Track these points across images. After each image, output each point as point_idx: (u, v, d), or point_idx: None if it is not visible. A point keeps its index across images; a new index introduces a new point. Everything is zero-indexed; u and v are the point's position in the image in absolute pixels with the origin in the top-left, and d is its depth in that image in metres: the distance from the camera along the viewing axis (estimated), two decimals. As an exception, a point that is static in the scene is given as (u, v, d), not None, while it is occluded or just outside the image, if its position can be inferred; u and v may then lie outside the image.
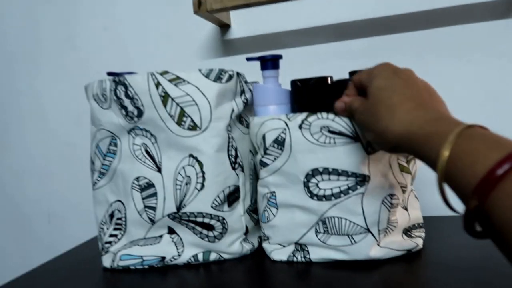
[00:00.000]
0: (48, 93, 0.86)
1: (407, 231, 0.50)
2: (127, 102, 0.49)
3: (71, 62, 0.85)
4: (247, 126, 0.55)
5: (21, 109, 0.88)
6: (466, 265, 0.44)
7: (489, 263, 0.44)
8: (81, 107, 0.84)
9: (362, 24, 0.70)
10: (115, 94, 0.50)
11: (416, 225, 0.51)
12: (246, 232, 0.52)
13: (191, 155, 0.49)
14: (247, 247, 0.52)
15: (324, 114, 0.45)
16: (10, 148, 0.90)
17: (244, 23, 0.72)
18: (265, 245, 0.52)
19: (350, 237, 0.45)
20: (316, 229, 0.47)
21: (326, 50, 0.72)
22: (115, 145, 0.52)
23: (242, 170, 0.52)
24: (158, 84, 0.48)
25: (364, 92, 0.40)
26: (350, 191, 0.45)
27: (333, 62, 0.71)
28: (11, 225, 0.91)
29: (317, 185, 0.46)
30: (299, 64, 0.71)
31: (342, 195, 0.45)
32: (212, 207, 0.49)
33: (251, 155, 0.55)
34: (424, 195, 0.60)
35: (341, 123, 0.45)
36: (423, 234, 0.51)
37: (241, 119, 0.55)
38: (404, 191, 0.48)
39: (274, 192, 0.50)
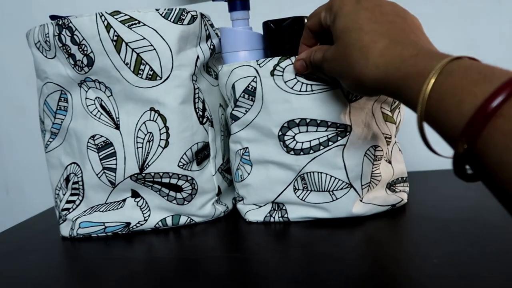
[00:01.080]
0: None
1: (391, 186, 0.46)
2: (74, 49, 0.43)
3: (12, 9, 0.75)
4: (216, 78, 0.49)
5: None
6: (452, 217, 0.41)
7: (476, 214, 0.41)
8: (30, 63, 0.76)
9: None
10: (60, 40, 0.43)
11: (400, 179, 0.48)
12: (219, 193, 0.48)
13: (152, 109, 0.43)
14: (220, 209, 0.48)
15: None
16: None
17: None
18: (239, 206, 0.48)
19: (331, 193, 0.42)
20: (294, 186, 0.43)
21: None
22: (66, 100, 0.46)
23: (212, 125, 0.46)
24: (108, 27, 0.41)
25: (325, 37, 0.36)
26: (330, 143, 0.41)
27: (308, 5, 0.65)
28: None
29: (293, 138, 0.42)
30: (270, 6, 0.65)
31: (321, 147, 0.41)
32: (179, 166, 0.44)
33: (221, 109, 0.50)
34: (407, 149, 0.56)
35: (319, 68, 0.40)
36: (407, 189, 0.48)
37: (209, 69, 0.49)
38: (388, 143, 0.44)
39: (247, 148, 0.45)
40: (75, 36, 0.42)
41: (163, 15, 0.42)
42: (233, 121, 0.45)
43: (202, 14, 0.45)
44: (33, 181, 0.81)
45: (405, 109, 0.47)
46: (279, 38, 0.44)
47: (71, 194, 0.47)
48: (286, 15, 0.44)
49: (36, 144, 0.79)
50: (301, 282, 0.32)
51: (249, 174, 0.45)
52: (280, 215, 0.45)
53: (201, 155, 0.46)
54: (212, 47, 0.47)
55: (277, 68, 0.41)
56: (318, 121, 0.41)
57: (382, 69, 0.28)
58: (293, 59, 0.40)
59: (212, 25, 0.47)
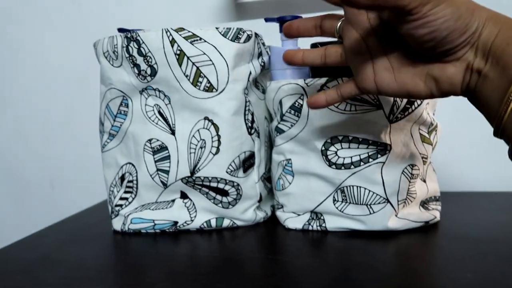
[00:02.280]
0: (51, 52, 0.83)
1: (424, 204, 0.49)
2: (139, 60, 0.47)
3: (75, 19, 0.81)
4: (263, 92, 0.53)
5: (23, 67, 0.85)
6: (485, 238, 0.43)
7: (507, 234, 0.43)
8: (85, 67, 0.82)
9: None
10: (127, 51, 0.47)
11: (433, 197, 0.50)
12: (260, 199, 0.51)
13: (206, 118, 0.47)
14: (260, 215, 0.51)
15: (346, 80, 0.43)
16: (10, 109, 0.87)
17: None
18: (279, 213, 0.51)
19: (368, 206, 0.44)
20: (334, 197, 0.46)
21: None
22: (126, 105, 0.50)
23: (258, 136, 0.50)
24: (173, 42, 0.45)
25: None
26: (370, 160, 0.44)
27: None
28: (11, 191, 0.90)
29: (336, 153, 0.45)
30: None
31: (362, 163, 0.44)
32: (227, 172, 0.48)
33: (266, 122, 0.53)
34: (439, 170, 0.59)
35: (365, 89, 0.43)
36: (439, 207, 0.50)
37: (257, 84, 0.52)
38: (424, 162, 0.47)
39: (290, 159, 0.48)
40: (141, 48, 0.47)
41: (222, 33, 0.46)
42: (278, 134, 0.49)
43: (256, 34, 0.49)
44: (76, 178, 0.86)
45: (441, 132, 0.50)
46: (327, 59, 0.47)
47: (125, 192, 0.52)
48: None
49: (82, 144, 0.84)
50: (337, 286, 0.34)
51: (290, 183, 0.49)
52: (318, 224, 0.48)
53: (247, 163, 0.49)
54: (262, 63, 0.50)
55: (325, 87, 0.44)
56: (360, 139, 0.44)
57: None
58: (339, 80, 0.43)
59: (263, 44, 0.51)
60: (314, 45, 0.48)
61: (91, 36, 0.81)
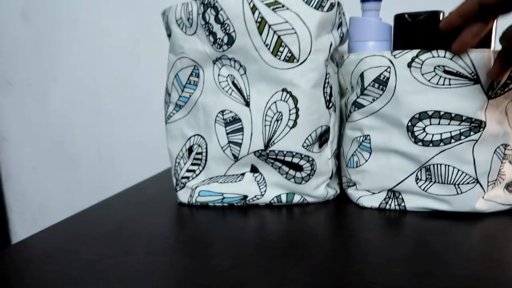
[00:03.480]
0: (103, 25, 0.82)
1: (508, 186, 0.46)
2: (216, 28, 0.45)
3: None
4: (337, 65, 0.51)
5: (72, 39, 0.84)
6: None
7: None
8: (137, 41, 0.80)
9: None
10: (203, 18, 0.45)
11: (516, 180, 0.47)
12: (331, 176, 0.50)
13: (284, 89, 0.45)
14: (331, 192, 0.50)
15: (441, 52, 0.41)
16: (58, 83, 0.87)
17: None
18: (350, 191, 0.50)
19: (456, 186, 0.42)
20: (417, 175, 0.44)
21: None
22: (197, 75, 0.49)
23: (335, 110, 0.48)
24: (254, 8, 0.43)
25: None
26: (462, 137, 0.41)
27: (427, 3, 0.65)
28: (60, 164, 0.91)
29: (423, 129, 0.42)
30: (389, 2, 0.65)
31: (452, 141, 0.42)
32: (303, 146, 0.46)
33: (338, 97, 0.51)
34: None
35: (460, 63, 0.40)
36: (521, 191, 0.48)
37: (332, 56, 0.50)
38: (515, 143, 0.44)
39: (368, 135, 0.46)
40: (219, 15, 0.45)
41: (305, 0, 0.44)
42: (356, 109, 0.47)
43: (338, 2, 0.46)
44: (124, 153, 0.86)
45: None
46: (414, 31, 0.45)
47: (192, 164, 0.51)
48: (403, 10, 0.45)
49: (133, 118, 0.84)
50: (408, 268, 0.33)
51: (366, 160, 0.47)
52: (396, 203, 0.46)
53: (323, 138, 0.47)
54: (342, 35, 0.48)
55: (416, 60, 0.42)
56: (453, 115, 0.41)
57: None
58: (434, 52, 0.41)
59: (344, 14, 0.48)
60: (398, 16, 0.46)
61: (141, 7, 0.79)
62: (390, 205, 0.46)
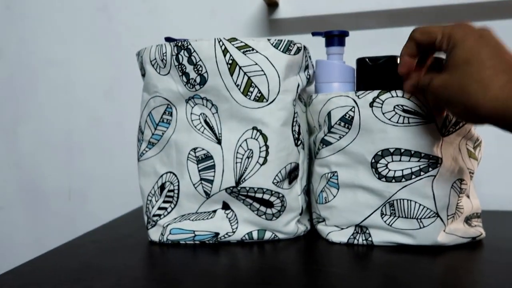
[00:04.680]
0: (78, 64, 0.83)
1: (468, 220, 0.49)
2: (189, 69, 0.47)
3: (104, 32, 0.81)
4: (305, 104, 0.53)
5: (47, 78, 0.85)
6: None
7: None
8: (111, 80, 0.82)
9: (416, 12, 0.68)
10: (177, 59, 0.47)
11: (475, 214, 0.50)
12: (301, 212, 0.51)
13: (254, 128, 0.47)
14: (301, 228, 0.51)
15: (399, 92, 0.44)
16: (31, 119, 0.86)
17: (293, 2, 0.70)
18: (320, 226, 0.51)
19: (418, 220, 0.44)
20: (382, 211, 0.46)
21: (376, 36, 0.70)
22: (170, 114, 0.50)
23: (303, 148, 0.50)
24: (225, 51, 0.46)
25: (425, 53, 0.40)
26: (421, 173, 0.44)
27: (384, 47, 0.69)
28: (28, 201, 0.88)
29: (386, 166, 0.45)
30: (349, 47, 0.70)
31: (413, 176, 0.44)
32: (273, 183, 0.47)
33: (307, 135, 0.53)
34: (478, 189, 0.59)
35: (417, 103, 0.43)
36: (481, 224, 0.50)
37: (300, 96, 0.53)
38: (471, 177, 0.47)
39: (335, 172, 0.48)
40: (192, 57, 0.47)
41: (273, 44, 0.47)
42: (324, 146, 0.49)
43: (304, 47, 0.49)
44: (96, 189, 0.84)
45: (484, 148, 0.50)
46: (374, 73, 0.48)
47: (164, 201, 0.51)
48: (363, 54, 0.49)
49: (105, 154, 0.83)
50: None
51: (334, 196, 0.48)
52: (364, 238, 0.47)
53: (292, 174, 0.49)
54: (308, 76, 0.51)
55: (377, 100, 0.45)
56: (412, 152, 0.44)
57: (501, 102, 0.31)
58: (393, 93, 0.44)
59: (310, 57, 0.51)
60: (360, 60, 0.49)
61: (116, 48, 0.81)
62: (358, 240, 0.47)
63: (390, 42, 0.70)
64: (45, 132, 0.85)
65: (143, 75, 0.52)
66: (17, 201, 0.88)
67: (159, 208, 0.51)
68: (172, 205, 0.50)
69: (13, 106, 0.86)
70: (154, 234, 0.51)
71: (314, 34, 0.51)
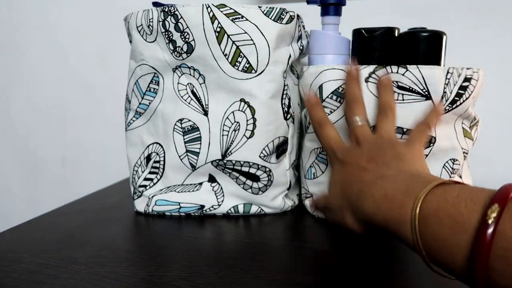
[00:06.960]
0: (71, 30, 0.81)
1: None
2: (176, 36, 0.45)
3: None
4: (298, 77, 0.51)
5: (39, 45, 0.83)
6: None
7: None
8: (104, 48, 0.79)
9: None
10: (163, 25, 0.45)
11: (467, 194, 0.49)
12: (289, 187, 0.50)
13: (242, 100, 0.45)
14: (288, 203, 0.50)
15: (394, 68, 0.42)
16: (25, 87, 0.85)
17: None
18: (308, 202, 0.50)
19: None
20: (370, 188, 0.44)
21: (376, 6, 0.67)
22: (157, 83, 0.48)
23: (293, 122, 0.49)
24: (213, 18, 0.43)
25: None
26: (413, 152, 0.42)
27: (383, 18, 0.66)
28: (23, 167, 0.88)
29: (377, 142, 0.43)
30: (347, 18, 0.67)
31: (404, 155, 0.42)
32: (260, 156, 0.46)
33: (299, 108, 0.51)
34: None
35: (412, 79, 0.41)
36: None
37: (292, 68, 0.51)
38: (465, 157, 0.46)
39: (325, 147, 0.47)
40: (179, 24, 0.45)
41: (264, 12, 0.44)
42: (314, 120, 0.47)
43: (298, 15, 0.47)
44: (89, 157, 0.84)
45: (481, 127, 0.48)
46: (370, 46, 0.46)
47: (150, 172, 0.50)
48: (361, 25, 0.46)
49: (99, 123, 0.82)
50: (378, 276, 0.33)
51: (323, 172, 0.47)
52: (351, 215, 0.46)
53: (280, 149, 0.48)
54: (301, 47, 0.49)
55: (373, 76, 0.42)
56: (405, 129, 0.42)
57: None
58: (389, 68, 0.42)
59: (304, 27, 0.49)
60: (356, 30, 0.47)
61: (111, 13, 0.78)
62: (345, 217, 0.47)
63: (391, 12, 0.67)
64: (37, 100, 0.84)
65: (131, 41, 0.50)
66: (11, 165, 0.88)
67: (145, 179, 0.50)
68: (158, 177, 0.50)
69: (4, 73, 0.85)
70: (140, 205, 0.50)
71: (309, 2, 0.48)
